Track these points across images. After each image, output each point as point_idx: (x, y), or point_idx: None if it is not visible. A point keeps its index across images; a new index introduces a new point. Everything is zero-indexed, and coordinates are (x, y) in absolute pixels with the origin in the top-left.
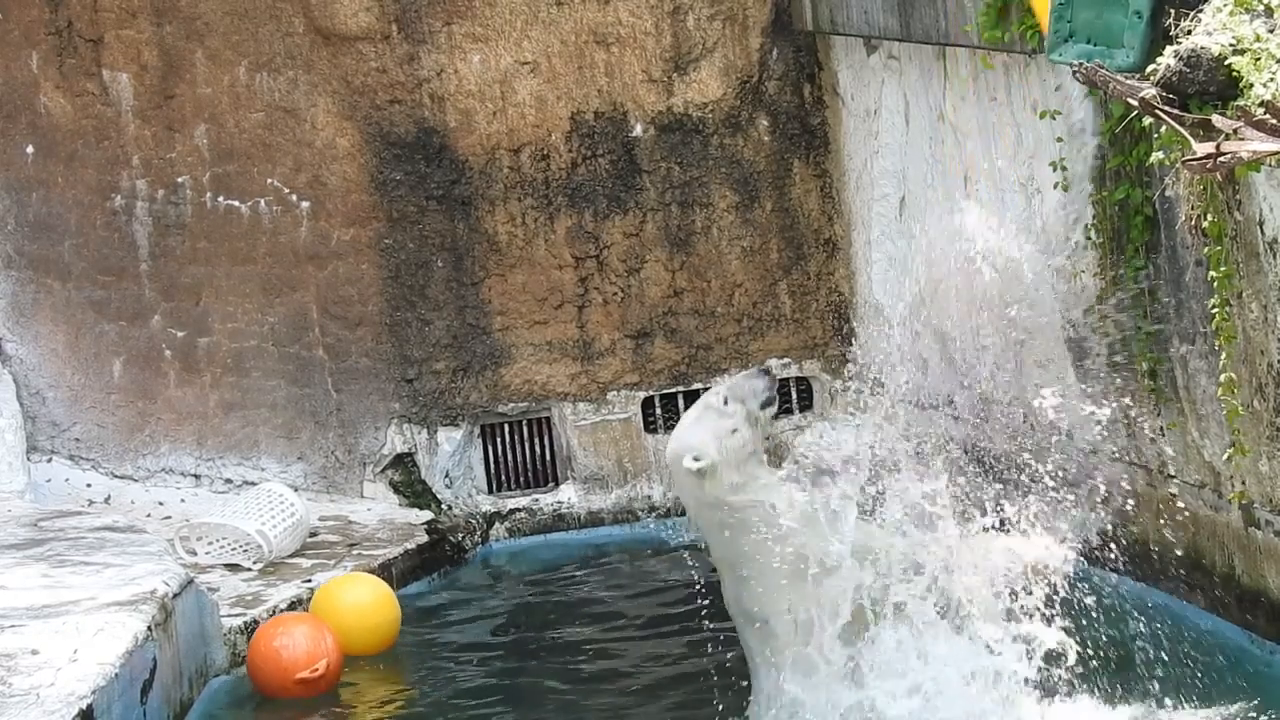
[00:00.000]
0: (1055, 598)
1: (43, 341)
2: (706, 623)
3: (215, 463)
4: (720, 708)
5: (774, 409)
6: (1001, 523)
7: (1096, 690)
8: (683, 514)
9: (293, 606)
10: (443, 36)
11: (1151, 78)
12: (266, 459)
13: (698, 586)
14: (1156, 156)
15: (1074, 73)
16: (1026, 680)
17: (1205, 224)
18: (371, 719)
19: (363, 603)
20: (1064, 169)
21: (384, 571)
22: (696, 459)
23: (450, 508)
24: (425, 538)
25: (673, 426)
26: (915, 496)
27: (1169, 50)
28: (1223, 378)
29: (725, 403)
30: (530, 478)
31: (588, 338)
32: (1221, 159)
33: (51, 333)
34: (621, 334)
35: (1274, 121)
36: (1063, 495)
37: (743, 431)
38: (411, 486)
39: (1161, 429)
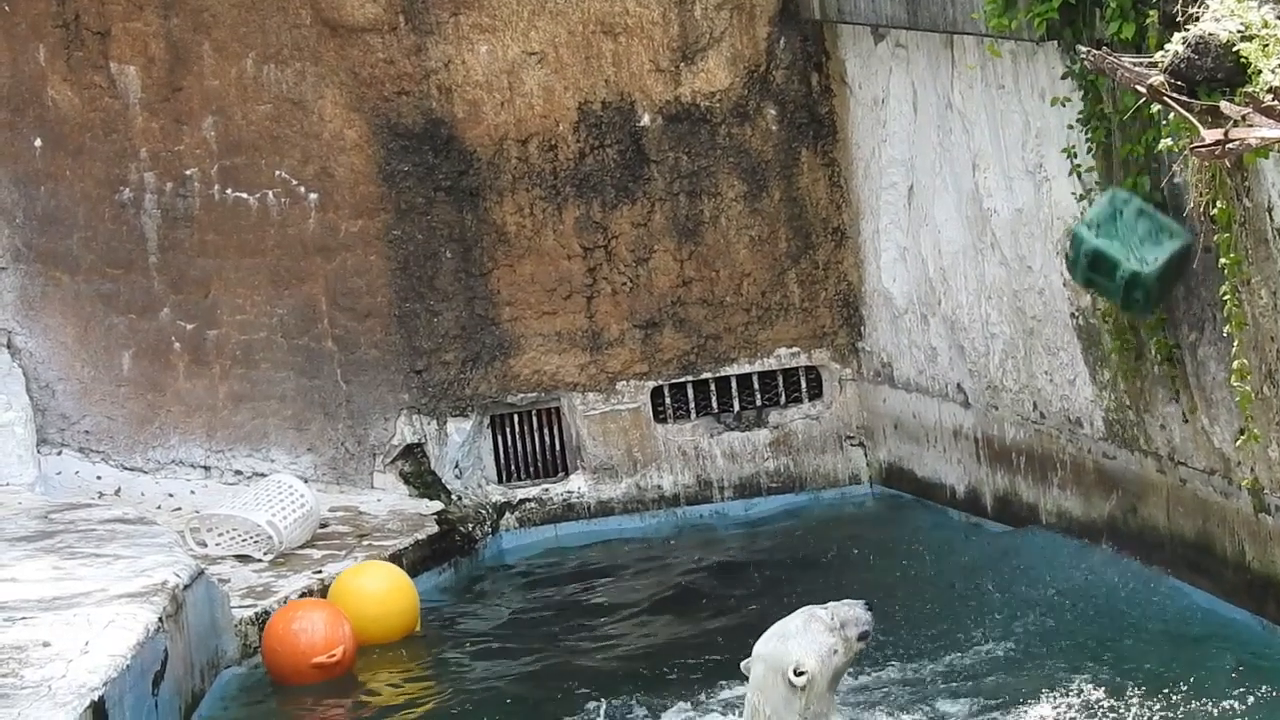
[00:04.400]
0: None
1: (52, 335)
2: (728, 610)
3: (225, 454)
4: (727, 685)
5: (866, 644)
6: None
7: (1104, 675)
8: (691, 503)
9: (303, 598)
10: (450, 27)
11: (1160, 64)
12: (276, 450)
13: (705, 569)
14: (1165, 144)
15: (1082, 59)
16: None
17: (1214, 211)
18: (383, 707)
19: (383, 591)
20: (1073, 156)
21: (394, 562)
22: (799, 672)
23: (460, 498)
24: (435, 528)
25: (682, 417)
26: None
27: (1177, 37)
28: (1234, 364)
29: (831, 618)
30: (540, 468)
31: (596, 328)
32: (1230, 145)
33: (61, 326)
34: (630, 324)
35: None
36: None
37: (840, 655)
38: (421, 477)
39: (1168, 415)
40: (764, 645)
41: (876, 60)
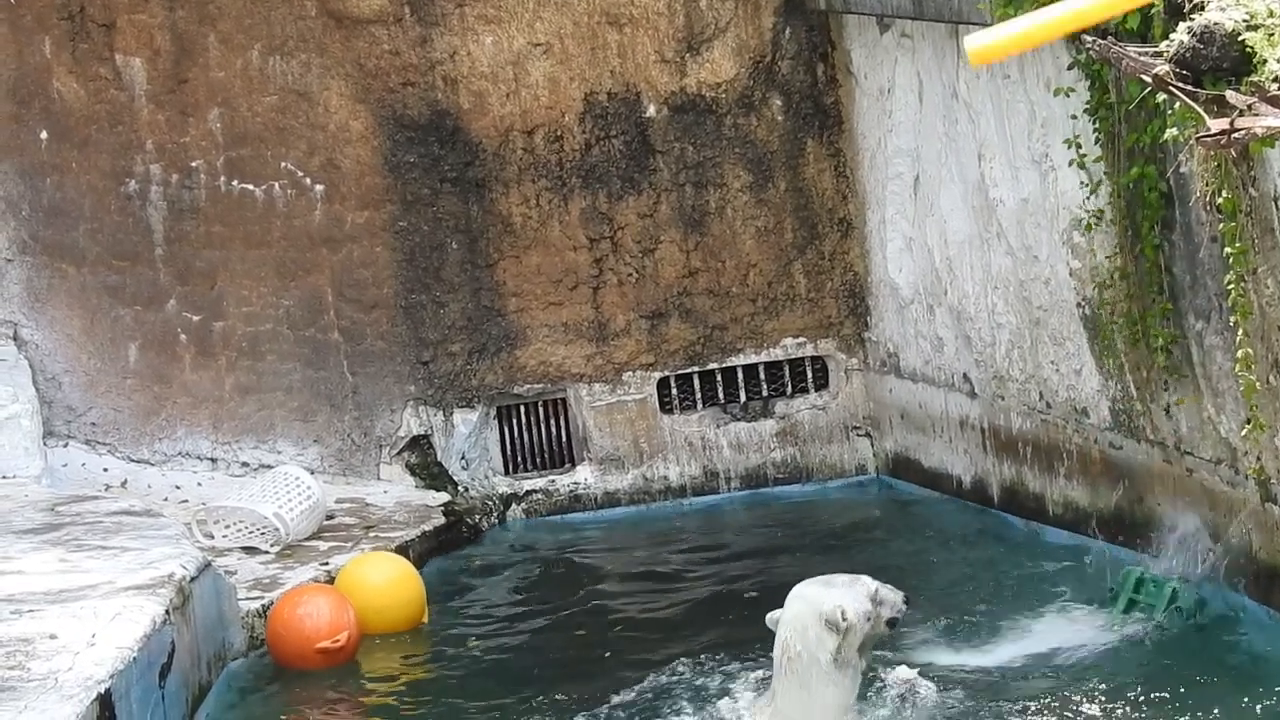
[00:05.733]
0: None
1: (58, 327)
2: (738, 608)
3: (231, 446)
4: (733, 673)
5: (893, 630)
6: None
7: (1107, 665)
8: (697, 494)
9: None
10: (455, 18)
11: (1165, 54)
12: (283, 442)
13: (712, 560)
14: (1170, 133)
15: (1087, 49)
16: None
17: (1219, 200)
18: (389, 697)
19: (389, 582)
20: (1078, 146)
21: (401, 553)
22: (844, 616)
23: (467, 489)
24: (442, 519)
25: (688, 407)
26: None
27: (1182, 26)
28: (1239, 353)
29: (875, 591)
30: (546, 459)
31: (602, 319)
32: (1236, 135)
33: (67, 318)
34: (636, 315)
35: None
36: None
37: (870, 625)
38: (428, 469)
39: (1169, 405)
40: (805, 588)
41: (882, 50)
